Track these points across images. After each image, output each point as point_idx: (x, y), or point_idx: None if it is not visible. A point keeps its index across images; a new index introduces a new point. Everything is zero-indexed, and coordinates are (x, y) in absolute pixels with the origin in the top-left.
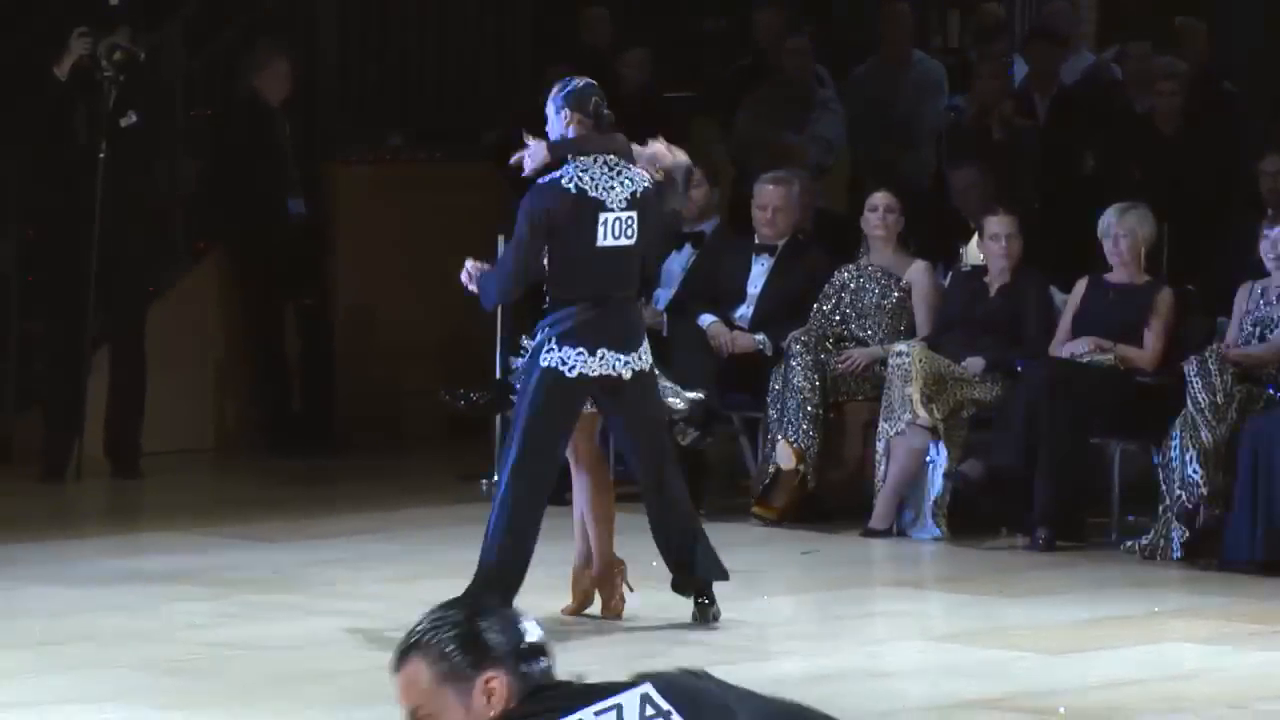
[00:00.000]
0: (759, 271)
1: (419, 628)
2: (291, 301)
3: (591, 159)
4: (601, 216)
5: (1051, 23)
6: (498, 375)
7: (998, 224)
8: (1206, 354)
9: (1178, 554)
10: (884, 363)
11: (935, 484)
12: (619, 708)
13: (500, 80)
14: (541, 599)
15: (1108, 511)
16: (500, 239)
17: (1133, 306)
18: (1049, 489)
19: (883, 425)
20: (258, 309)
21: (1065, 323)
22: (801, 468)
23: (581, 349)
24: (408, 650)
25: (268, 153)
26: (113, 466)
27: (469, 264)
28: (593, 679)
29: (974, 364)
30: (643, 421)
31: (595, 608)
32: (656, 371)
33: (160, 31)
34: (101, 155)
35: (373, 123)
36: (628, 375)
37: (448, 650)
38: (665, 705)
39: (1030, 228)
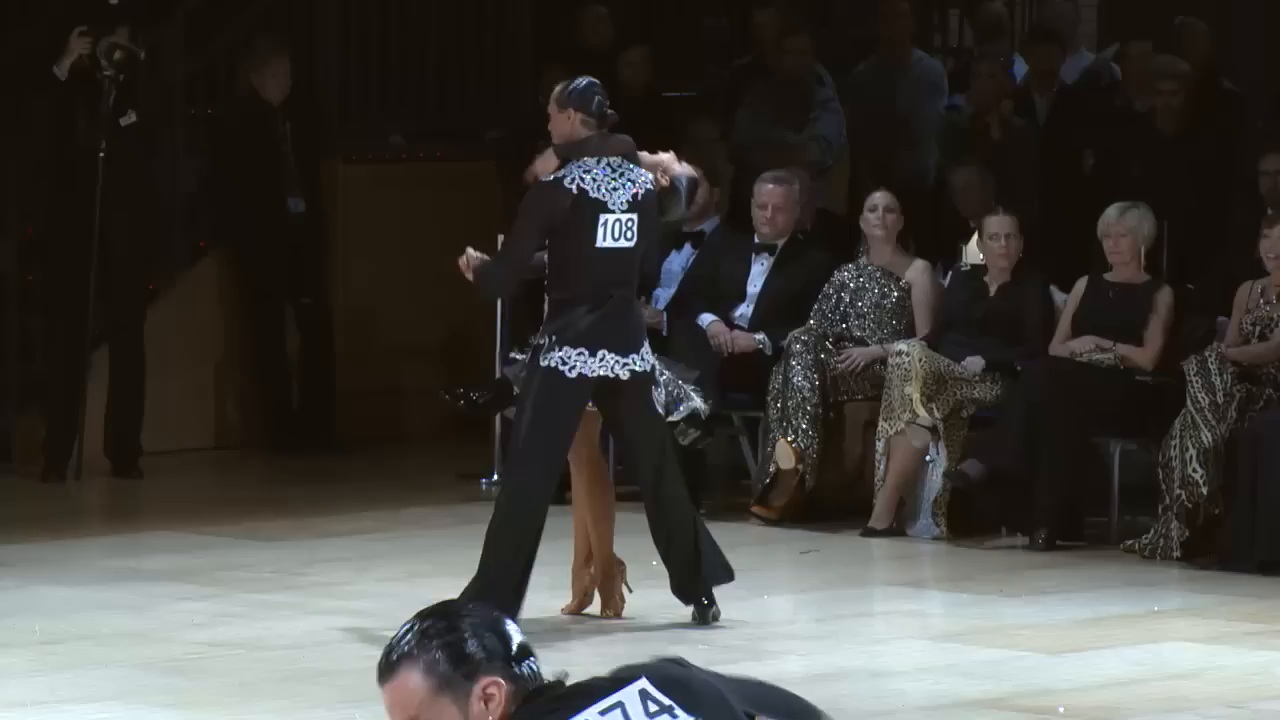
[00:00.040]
0: (759, 271)
1: (405, 638)
2: (291, 301)
3: (595, 160)
4: (602, 218)
5: (1051, 22)
6: (498, 375)
7: (997, 224)
8: (1206, 353)
9: (1177, 553)
10: (884, 362)
11: (935, 483)
12: (621, 705)
13: (500, 80)
14: (541, 599)
15: (1107, 511)
16: (500, 238)
17: (1133, 306)
18: (1049, 488)
19: (882, 425)
20: (258, 308)
21: (1065, 322)
22: (801, 467)
23: (582, 349)
24: (397, 661)
25: (267, 152)
26: (113, 466)
27: (470, 251)
28: (580, 678)
29: (974, 363)
30: (642, 422)
31: (595, 607)
32: (665, 371)
33: (160, 30)
34: (101, 154)
35: (373, 123)
36: (627, 376)
37: (440, 658)
38: (666, 700)
39: (1030, 227)
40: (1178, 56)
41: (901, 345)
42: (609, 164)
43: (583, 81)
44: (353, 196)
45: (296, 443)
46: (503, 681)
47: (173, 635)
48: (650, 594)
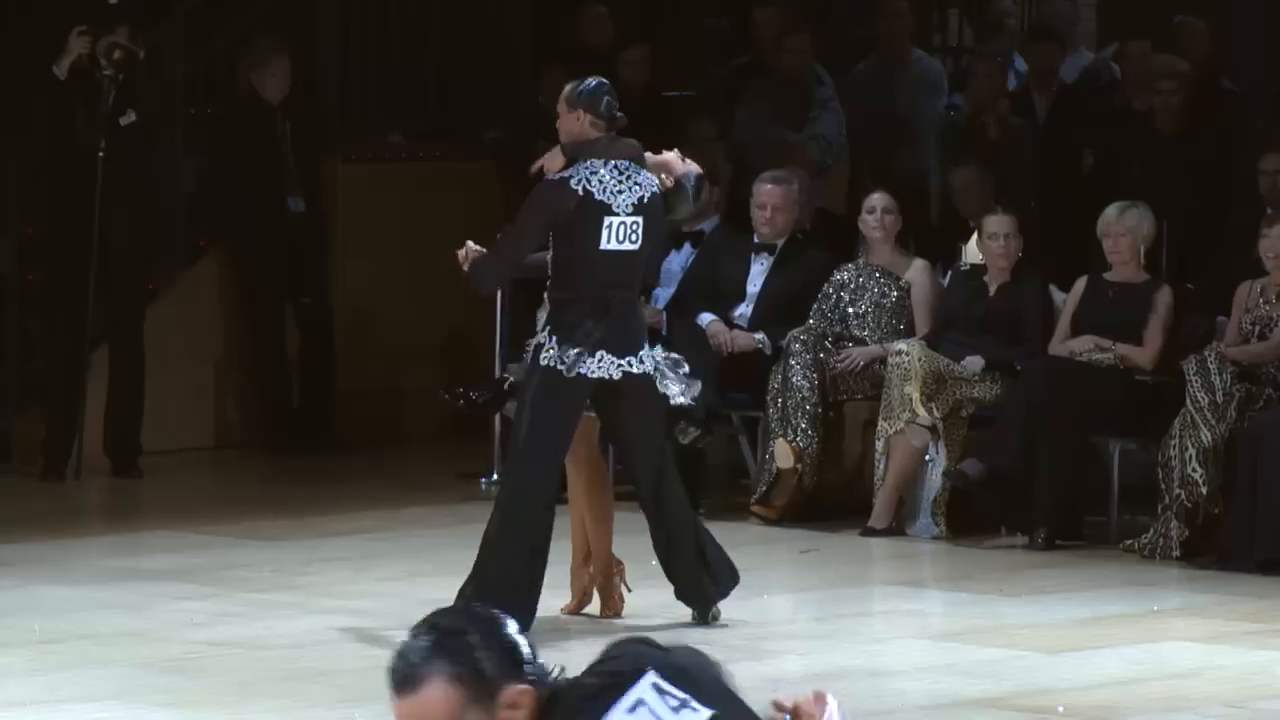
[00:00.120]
0: (758, 270)
1: (424, 648)
2: (291, 300)
3: (602, 162)
4: (606, 220)
5: (1050, 21)
6: (498, 374)
7: (996, 223)
8: (1206, 353)
9: (1177, 553)
10: (883, 361)
11: (934, 483)
12: (643, 702)
13: (500, 80)
14: (541, 599)
15: (1107, 510)
16: (499, 237)
17: (1132, 305)
18: (1048, 488)
19: (882, 424)
20: (258, 307)
21: (1065, 321)
22: (800, 466)
23: (581, 350)
24: (419, 673)
25: (267, 151)
26: (112, 465)
27: (470, 244)
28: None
29: (973, 363)
30: (641, 424)
31: (594, 607)
32: (671, 357)
33: (160, 30)
34: (101, 153)
35: (373, 122)
36: (626, 378)
37: (467, 668)
38: (680, 693)
39: (1029, 226)
40: (1177, 56)
41: (901, 345)
42: (616, 166)
43: (593, 82)
44: (352, 196)
45: (296, 442)
46: (529, 689)
47: (172, 635)
48: (649, 593)
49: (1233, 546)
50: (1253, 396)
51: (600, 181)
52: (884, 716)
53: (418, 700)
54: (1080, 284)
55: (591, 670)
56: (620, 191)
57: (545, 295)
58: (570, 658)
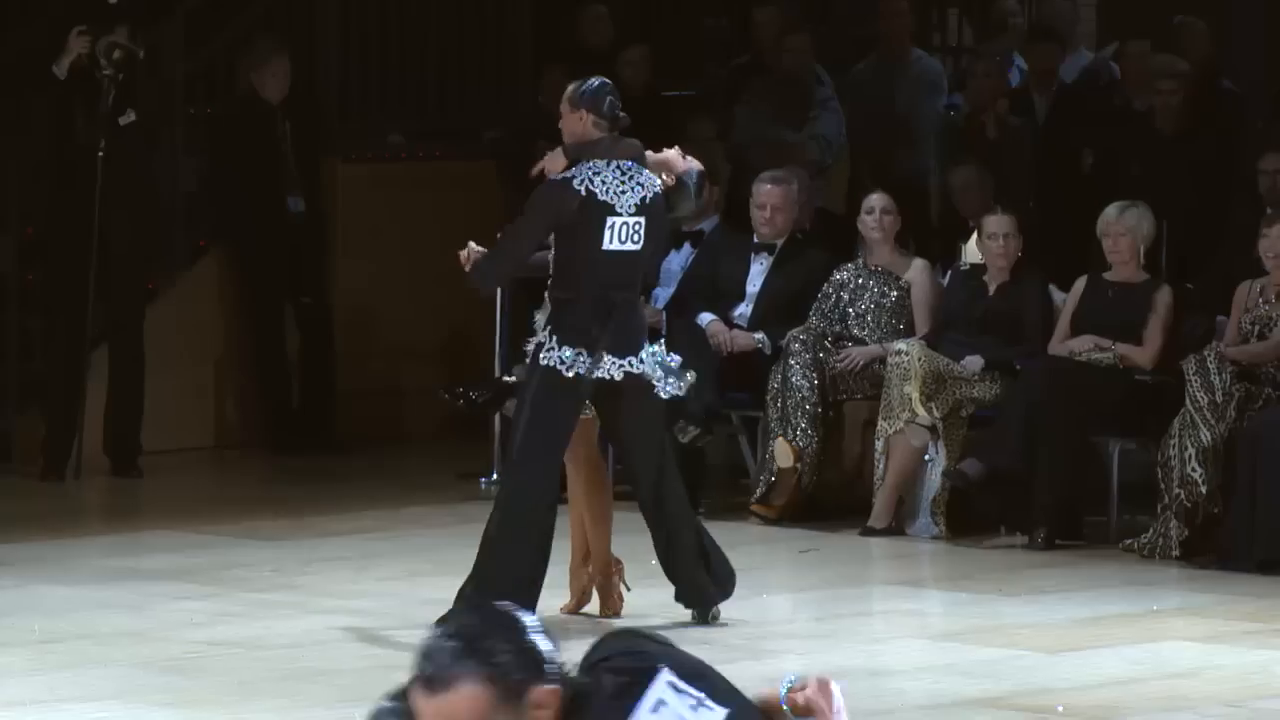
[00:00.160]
0: (758, 270)
1: (452, 649)
2: (291, 300)
3: (605, 163)
4: (609, 221)
5: (1050, 21)
6: (497, 374)
7: (996, 223)
8: (1205, 352)
9: (1176, 552)
10: (883, 361)
11: (934, 482)
12: (664, 702)
13: (500, 80)
14: (540, 598)
15: (1106, 510)
16: (499, 237)
17: (1132, 305)
18: (1048, 488)
19: (882, 424)
20: (258, 307)
21: (1064, 321)
22: (799, 466)
23: (581, 350)
24: (450, 673)
25: (267, 151)
26: (112, 465)
27: (472, 245)
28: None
29: (973, 363)
30: (641, 424)
31: (593, 606)
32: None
33: (160, 30)
34: (100, 153)
35: (372, 122)
36: (625, 378)
37: (499, 669)
38: (695, 690)
39: (1029, 226)
40: (1177, 55)
41: (901, 344)
42: (618, 167)
43: (595, 82)
44: (352, 196)
45: (296, 442)
46: (555, 688)
47: (172, 634)
48: (648, 593)
49: (1232, 546)
50: (1252, 396)
51: (603, 182)
52: (883, 716)
53: (447, 700)
54: (1080, 284)
55: (598, 666)
56: (623, 192)
57: (546, 294)
58: (569, 657)
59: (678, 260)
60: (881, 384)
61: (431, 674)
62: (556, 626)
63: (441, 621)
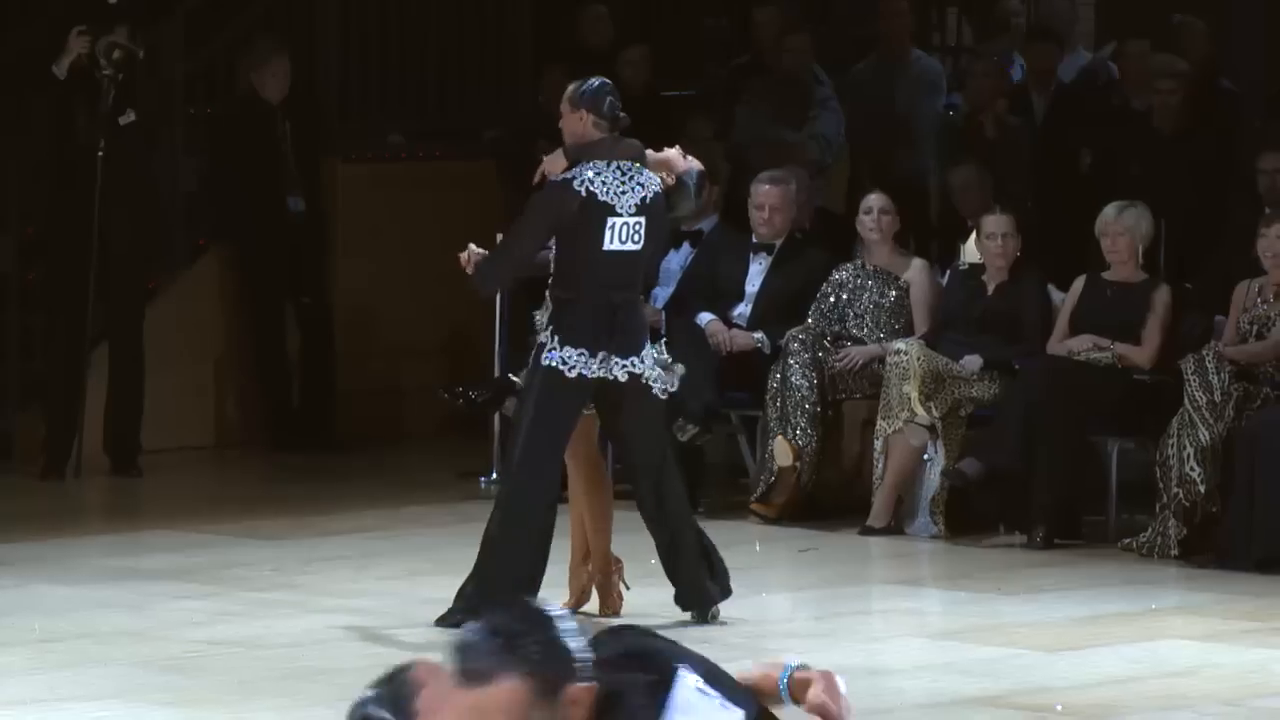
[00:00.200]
0: (757, 270)
1: (490, 644)
2: (291, 299)
3: (605, 163)
4: (609, 221)
5: (1049, 21)
6: (497, 374)
7: (994, 223)
8: (1204, 352)
9: (1175, 551)
10: (882, 361)
11: (933, 482)
12: (691, 704)
13: (500, 80)
14: (540, 597)
15: (1105, 509)
16: (499, 237)
17: (1131, 304)
18: (1047, 487)
19: (881, 423)
20: (258, 307)
21: (1063, 321)
22: (798, 465)
23: (583, 350)
24: (489, 667)
25: (267, 151)
26: (112, 464)
27: (472, 247)
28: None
29: (972, 362)
30: (642, 424)
31: (593, 605)
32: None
33: (160, 30)
34: (100, 153)
35: (372, 122)
36: (626, 379)
37: (535, 665)
38: (713, 691)
39: (1028, 226)
40: (1176, 55)
41: (900, 344)
42: (619, 167)
43: (596, 82)
44: (352, 196)
45: (296, 441)
46: (591, 685)
47: (172, 633)
48: (648, 592)
49: (1230, 545)
50: (1250, 396)
51: (603, 182)
52: (882, 715)
53: (486, 694)
54: (1078, 283)
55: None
56: (623, 192)
57: (547, 294)
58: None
59: (677, 260)
60: (880, 383)
61: (470, 668)
62: None
63: (443, 620)
